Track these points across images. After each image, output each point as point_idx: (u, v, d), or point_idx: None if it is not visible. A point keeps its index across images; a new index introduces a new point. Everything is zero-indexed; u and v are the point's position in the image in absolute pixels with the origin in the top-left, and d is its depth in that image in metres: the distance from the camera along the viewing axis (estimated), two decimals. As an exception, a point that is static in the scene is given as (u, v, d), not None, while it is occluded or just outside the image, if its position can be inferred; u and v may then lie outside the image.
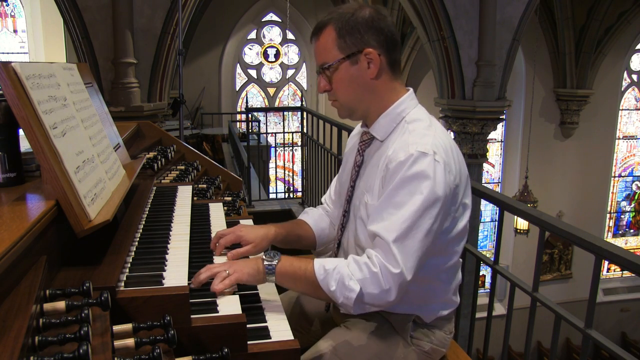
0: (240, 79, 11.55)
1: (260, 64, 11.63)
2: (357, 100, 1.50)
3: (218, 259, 1.49)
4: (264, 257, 1.40)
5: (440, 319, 1.57)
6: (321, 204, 1.87)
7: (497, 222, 2.86)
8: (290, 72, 11.70)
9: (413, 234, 1.33)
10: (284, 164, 10.58)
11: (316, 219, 1.78)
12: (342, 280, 1.34)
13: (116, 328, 0.99)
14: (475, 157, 6.70)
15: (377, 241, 1.37)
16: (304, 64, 11.74)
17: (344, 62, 1.45)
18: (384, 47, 1.46)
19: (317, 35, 1.49)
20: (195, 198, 2.07)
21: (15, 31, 9.54)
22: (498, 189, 11.25)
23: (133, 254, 1.34)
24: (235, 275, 1.33)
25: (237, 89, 11.50)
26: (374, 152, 1.54)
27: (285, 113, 10.25)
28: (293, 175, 10.06)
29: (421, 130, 1.43)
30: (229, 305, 1.23)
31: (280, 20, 11.31)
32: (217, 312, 1.20)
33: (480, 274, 3.70)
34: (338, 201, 1.72)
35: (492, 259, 2.12)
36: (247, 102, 7.28)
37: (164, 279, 1.19)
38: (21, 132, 1.19)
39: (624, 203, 11.97)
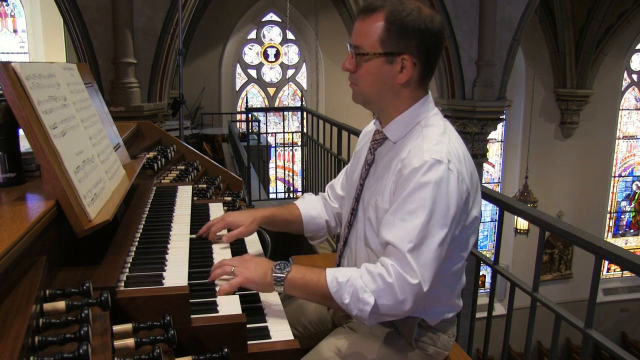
0: (240, 79, 11.54)
1: (260, 64, 11.62)
2: (376, 96, 1.48)
3: (218, 258, 1.49)
4: (273, 267, 1.37)
5: (445, 321, 1.57)
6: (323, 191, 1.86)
7: (497, 222, 2.86)
8: (290, 72, 11.69)
9: (427, 244, 1.31)
10: (284, 164, 10.57)
11: (308, 206, 1.78)
12: (356, 294, 1.31)
13: (116, 328, 0.99)
14: (475, 157, 6.69)
15: (391, 250, 1.33)
16: (304, 64, 11.73)
17: (380, 58, 1.41)
18: (423, 58, 1.41)
19: (366, 15, 1.42)
20: (195, 198, 2.07)
21: (15, 31, 9.53)
22: (498, 189, 11.25)
23: (133, 254, 1.34)
24: (239, 279, 1.32)
25: (237, 89, 11.49)
26: (386, 152, 1.52)
27: (285, 113, 10.24)
28: (293, 175, 10.06)
29: (435, 136, 1.40)
30: (229, 305, 1.23)
31: (280, 20, 11.31)
32: (217, 312, 1.20)
33: (480, 274, 3.69)
34: (346, 198, 1.70)
35: (492, 259, 2.12)
36: (247, 102, 7.29)
37: (164, 279, 1.19)
38: (21, 132, 1.19)
39: (624, 203, 11.97)
